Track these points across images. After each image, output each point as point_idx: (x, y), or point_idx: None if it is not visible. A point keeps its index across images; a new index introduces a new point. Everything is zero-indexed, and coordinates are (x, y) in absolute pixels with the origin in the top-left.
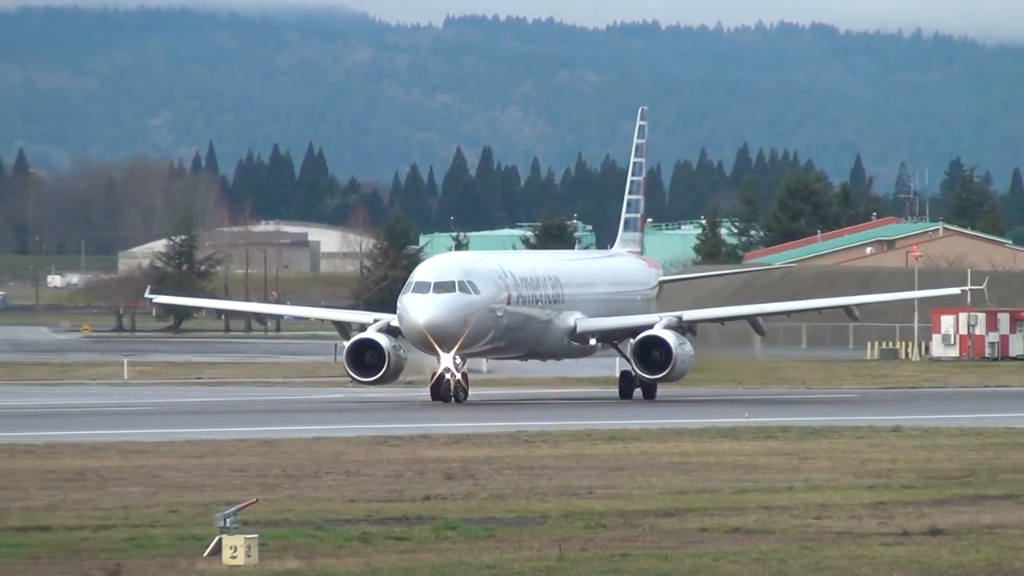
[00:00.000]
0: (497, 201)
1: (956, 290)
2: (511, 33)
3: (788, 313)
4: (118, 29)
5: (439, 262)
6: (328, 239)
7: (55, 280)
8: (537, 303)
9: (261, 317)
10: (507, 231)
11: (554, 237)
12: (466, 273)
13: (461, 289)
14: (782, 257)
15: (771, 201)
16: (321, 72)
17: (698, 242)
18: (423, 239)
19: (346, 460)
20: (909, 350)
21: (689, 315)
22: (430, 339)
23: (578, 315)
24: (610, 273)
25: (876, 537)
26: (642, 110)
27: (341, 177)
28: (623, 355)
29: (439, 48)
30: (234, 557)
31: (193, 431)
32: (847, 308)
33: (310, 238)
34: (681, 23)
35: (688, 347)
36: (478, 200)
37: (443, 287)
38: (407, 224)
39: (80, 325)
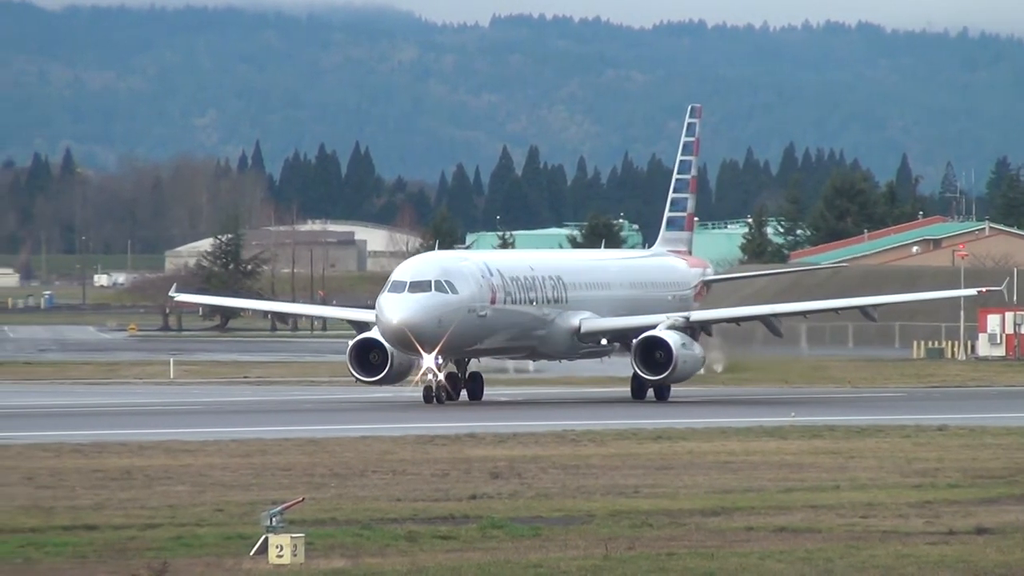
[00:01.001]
0: (543, 200)
1: (973, 291)
2: (558, 32)
3: (804, 314)
4: (165, 28)
5: (417, 261)
6: (374, 238)
7: (102, 279)
8: (532, 303)
9: (283, 316)
10: (553, 230)
11: (601, 237)
12: (443, 272)
13: (437, 289)
14: (828, 256)
15: (817, 200)
16: (367, 71)
17: (744, 241)
18: (469, 238)
19: (392, 459)
20: (955, 349)
21: (697, 315)
22: (403, 339)
23: (586, 315)
24: (633, 273)
25: (922, 536)
26: (692, 108)
27: (387, 176)
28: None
29: (485, 47)
30: (280, 556)
31: (239, 430)
32: (863, 309)
33: (356, 237)
34: (728, 22)
35: (694, 348)
36: (524, 199)
37: (419, 287)
38: (453, 223)
39: (127, 324)
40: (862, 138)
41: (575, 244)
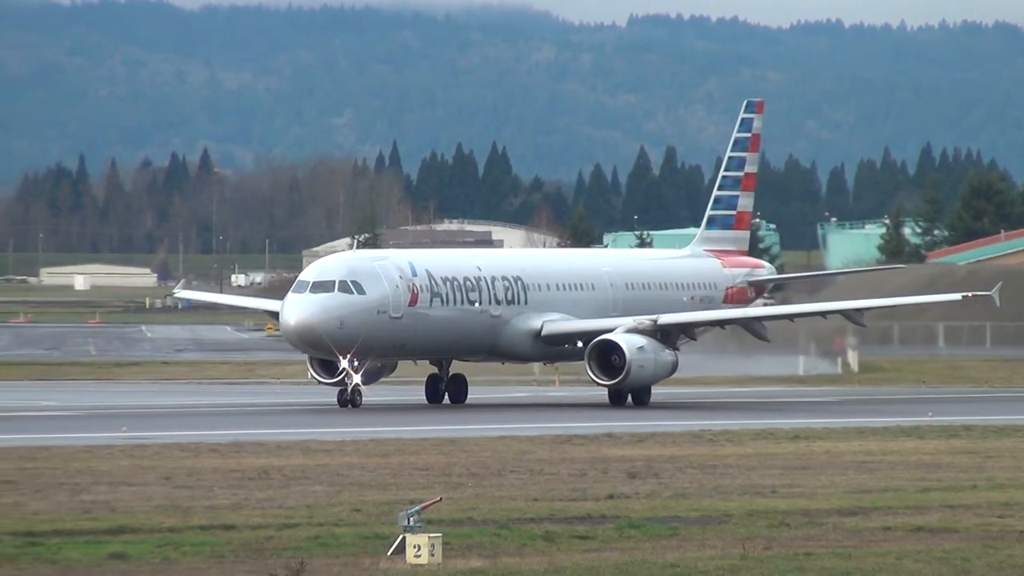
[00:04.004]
0: (681, 200)
1: (957, 296)
2: (695, 32)
3: (790, 317)
4: (302, 28)
5: (324, 261)
6: (512, 238)
7: (239, 279)
8: (474, 304)
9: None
10: (691, 230)
11: None
12: (350, 272)
13: (341, 289)
14: (965, 256)
15: (954, 200)
16: (504, 71)
17: (882, 241)
18: (607, 238)
19: (530, 459)
20: None
21: (665, 319)
22: (304, 340)
23: (552, 317)
24: (633, 273)
25: None
26: (748, 102)
27: (524, 176)
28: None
29: (623, 47)
30: (418, 556)
31: (377, 430)
32: (847, 313)
33: (494, 237)
34: (864, 22)
35: (658, 353)
36: (662, 199)
37: (321, 287)
38: (590, 223)
39: (264, 324)
40: (999, 138)
41: None
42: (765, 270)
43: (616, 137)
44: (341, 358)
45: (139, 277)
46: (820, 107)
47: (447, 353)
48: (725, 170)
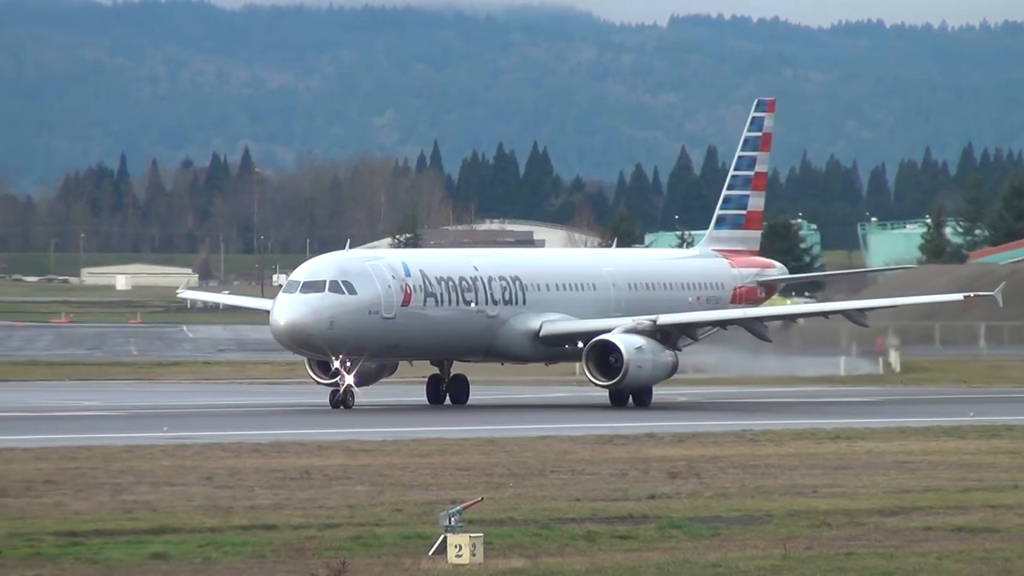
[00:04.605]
0: None
1: (959, 296)
2: (736, 32)
3: (792, 317)
4: (343, 28)
5: (316, 261)
6: (553, 238)
7: (280, 279)
8: (470, 304)
9: None
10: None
11: (779, 236)
12: (341, 272)
13: (332, 289)
14: (1007, 256)
15: (995, 200)
16: (545, 71)
17: (923, 241)
18: (648, 238)
19: (571, 459)
20: None
21: (665, 319)
22: (294, 341)
23: (552, 317)
24: (636, 274)
25: None
26: (759, 101)
27: (565, 176)
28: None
29: (664, 47)
30: (459, 556)
31: (418, 430)
32: (848, 313)
33: (535, 237)
34: (906, 22)
35: (658, 353)
36: (703, 199)
37: (311, 287)
38: (632, 223)
39: None
40: None
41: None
42: (776, 270)
43: (657, 137)
44: (333, 359)
45: (180, 277)
46: (861, 107)
47: (443, 353)
48: (735, 169)
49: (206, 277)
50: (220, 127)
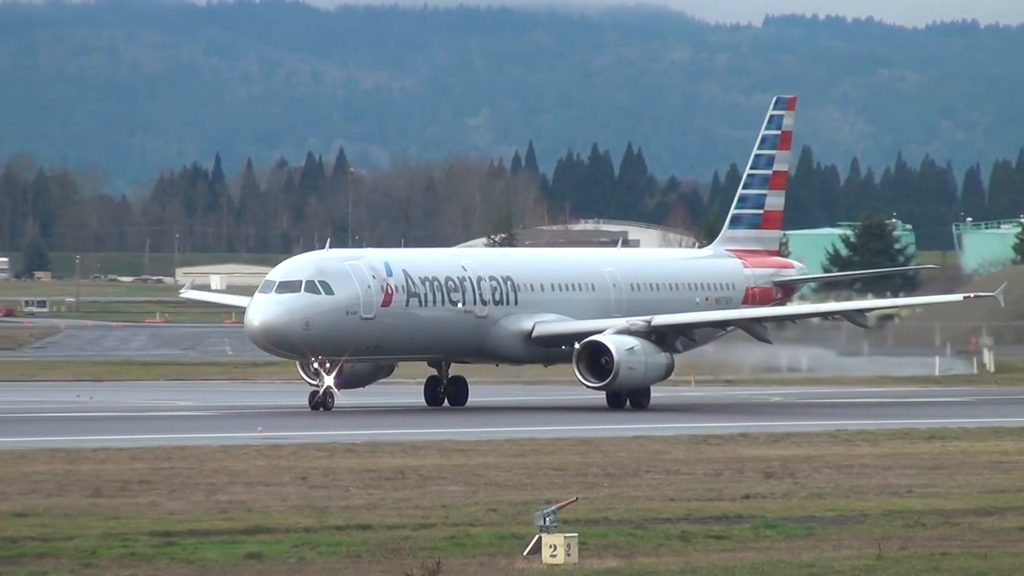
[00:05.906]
0: (816, 200)
1: (958, 296)
2: (830, 32)
3: (791, 318)
4: (437, 28)
5: (293, 261)
6: (647, 238)
7: None
8: (457, 304)
9: None
10: (827, 230)
11: (874, 237)
12: (318, 273)
13: (308, 289)
14: None
15: None
16: (640, 71)
17: (1017, 241)
18: None
19: (666, 459)
20: None
21: (659, 319)
22: (269, 341)
23: (546, 318)
24: (639, 274)
25: None
26: (778, 99)
27: (660, 176)
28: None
29: (758, 47)
30: (554, 556)
31: (513, 430)
32: (848, 314)
33: (630, 237)
34: (1000, 22)
35: (651, 355)
36: (797, 199)
37: (287, 287)
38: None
39: None
40: None
41: (848, 244)
42: (795, 270)
43: (751, 137)
44: (312, 360)
45: None
46: (956, 107)
47: (428, 354)
48: (751, 168)
49: None
50: (314, 127)
